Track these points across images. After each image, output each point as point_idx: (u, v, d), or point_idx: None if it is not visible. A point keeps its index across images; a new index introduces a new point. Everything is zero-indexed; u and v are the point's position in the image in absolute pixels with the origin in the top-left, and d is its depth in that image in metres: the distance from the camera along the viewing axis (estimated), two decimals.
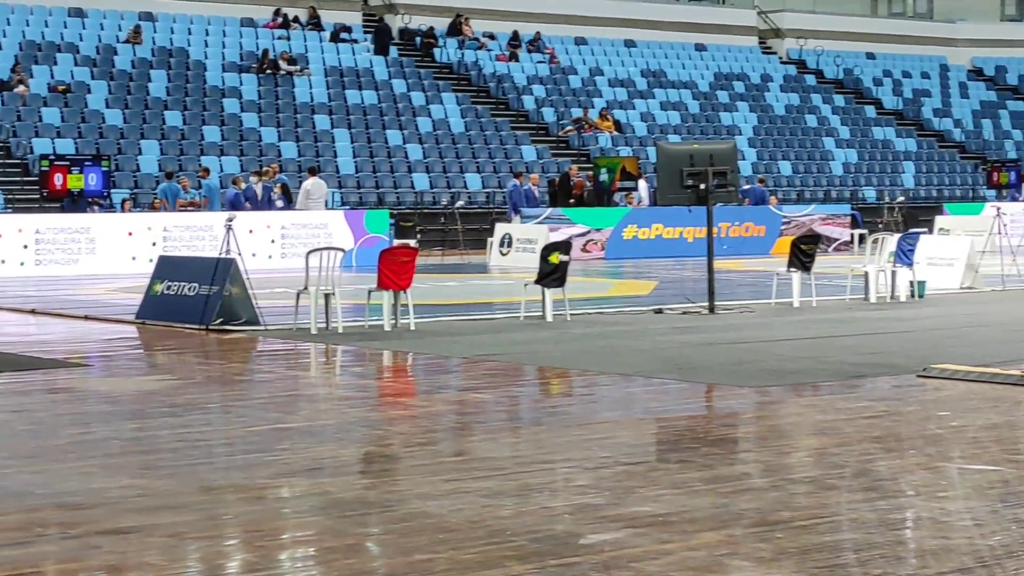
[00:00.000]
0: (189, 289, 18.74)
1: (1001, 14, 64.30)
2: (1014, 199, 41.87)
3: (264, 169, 33.93)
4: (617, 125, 45.66)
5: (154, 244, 28.74)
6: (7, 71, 38.12)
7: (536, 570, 6.80)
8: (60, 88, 37.99)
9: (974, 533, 7.46)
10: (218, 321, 18.00)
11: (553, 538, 7.40)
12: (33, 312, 20.81)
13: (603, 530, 7.56)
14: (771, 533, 7.48)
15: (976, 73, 60.18)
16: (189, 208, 31.96)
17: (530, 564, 6.90)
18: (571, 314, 18.80)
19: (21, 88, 37.33)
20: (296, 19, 45.88)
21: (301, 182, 33.37)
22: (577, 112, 45.54)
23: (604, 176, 37.18)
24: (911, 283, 21.83)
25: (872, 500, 8.25)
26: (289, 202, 32.66)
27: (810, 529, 7.57)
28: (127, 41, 41.58)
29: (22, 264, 28.25)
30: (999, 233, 24.10)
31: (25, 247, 28.42)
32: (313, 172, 33.29)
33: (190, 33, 43.49)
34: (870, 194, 46.61)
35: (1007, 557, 6.98)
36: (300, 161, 37.46)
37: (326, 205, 33.05)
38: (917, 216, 40.63)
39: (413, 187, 39.11)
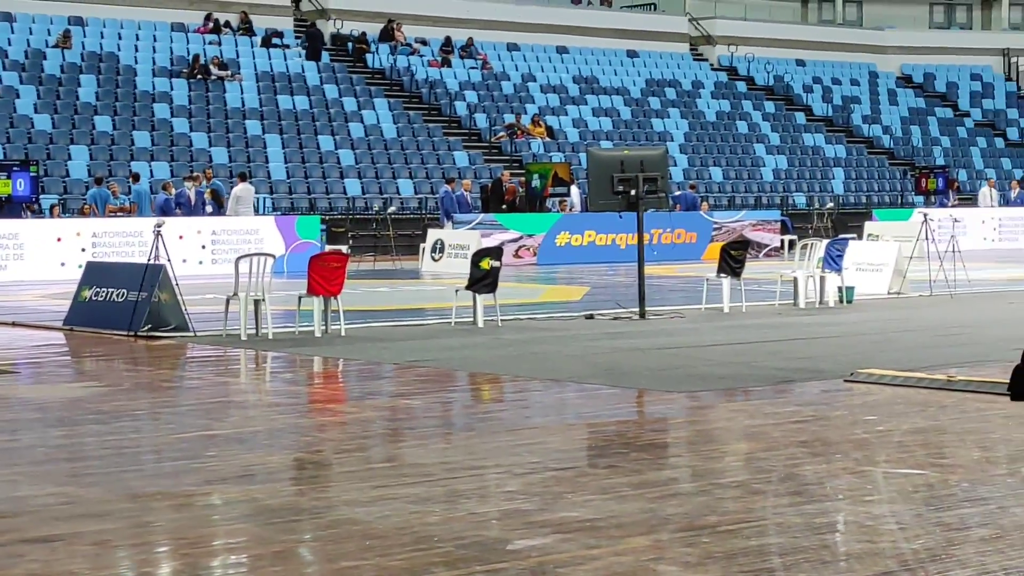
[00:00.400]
0: (118, 295, 18.62)
1: (930, 22, 64.92)
2: (942, 205, 42.27)
3: (195, 175, 33.76)
4: (549, 131, 45.73)
5: (83, 250, 28.52)
6: None
7: None
8: None
9: (899, 537, 7.51)
10: (147, 327, 17.89)
11: (481, 544, 7.40)
12: None
13: (531, 536, 7.57)
14: (698, 538, 7.51)
15: (905, 80, 60.73)
16: (119, 214, 31.75)
17: (457, 570, 6.90)
18: (502, 320, 18.82)
19: None
20: (227, 24, 45.66)
21: (231, 188, 33.24)
22: (509, 118, 45.59)
23: (536, 182, 37.22)
24: (839, 289, 21.97)
25: (798, 504, 8.29)
26: (220, 207, 32.51)
27: (736, 533, 7.60)
28: (56, 46, 41.27)
29: None
30: (927, 239, 24.29)
31: None
32: (244, 178, 33.17)
33: (120, 38, 43.19)
34: (800, 200, 46.93)
35: (931, 561, 7.04)
36: (231, 167, 37.31)
37: (255, 210, 32.92)
38: (846, 222, 41.01)
39: (345, 193, 39.03)
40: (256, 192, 34.03)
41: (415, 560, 7.08)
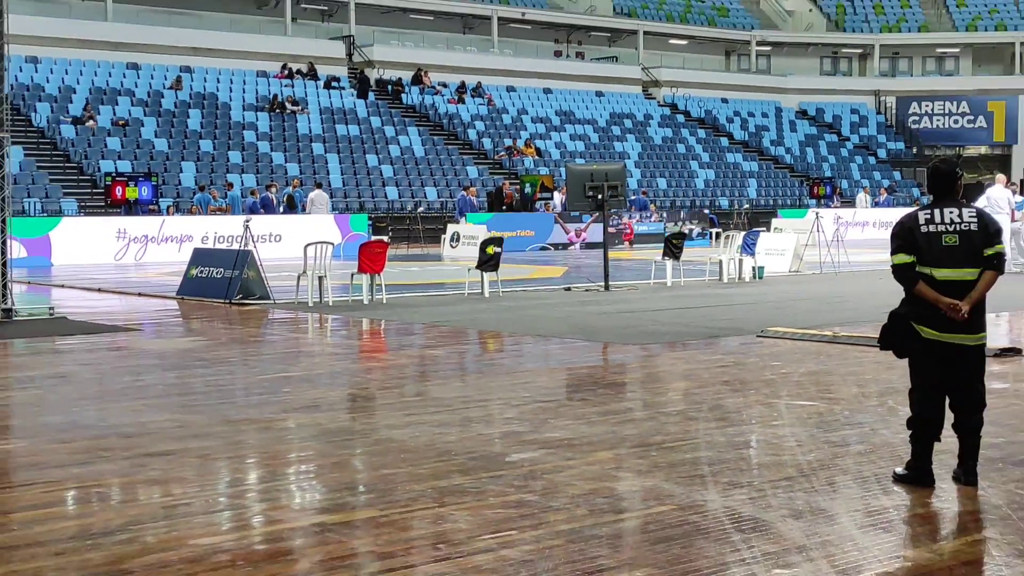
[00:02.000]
0: (217, 273, 18.57)
1: (820, 70, 64.82)
2: (828, 206, 42.18)
3: (271, 183, 33.64)
4: (538, 151, 45.62)
5: (191, 239, 28.43)
6: (80, 110, 37.69)
7: (473, 480, 6.79)
8: (120, 123, 37.55)
9: (797, 452, 7.50)
10: (238, 297, 17.84)
11: (487, 456, 7.38)
12: (100, 291, 20.56)
13: (523, 450, 7.55)
14: (647, 452, 7.49)
15: (802, 114, 60.57)
16: (217, 213, 31.66)
17: (469, 476, 6.89)
18: (503, 291, 18.77)
19: (91, 123, 36.90)
20: (299, 71, 45.54)
21: (307, 194, 33.17)
22: (508, 142, 45.47)
23: (528, 189, 37.18)
24: (753, 268, 21.93)
25: (722, 427, 8.27)
26: (292, 210, 32.39)
27: (676, 449, 7.58)
28: (171, 88, 41.15)
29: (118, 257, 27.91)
30: (818, 231, 24.27)
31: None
32: (319, 185, 33.15)
33: (219, 81, 43.08)
34: (723, 203, 46.83)
35: (821, 469, 7.03)
36: (301, 178, 37.18)
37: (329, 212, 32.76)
38: (758, 219, 40.87)
39: (386, 197, 38.96)
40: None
41: (438, 468, 7.07)
